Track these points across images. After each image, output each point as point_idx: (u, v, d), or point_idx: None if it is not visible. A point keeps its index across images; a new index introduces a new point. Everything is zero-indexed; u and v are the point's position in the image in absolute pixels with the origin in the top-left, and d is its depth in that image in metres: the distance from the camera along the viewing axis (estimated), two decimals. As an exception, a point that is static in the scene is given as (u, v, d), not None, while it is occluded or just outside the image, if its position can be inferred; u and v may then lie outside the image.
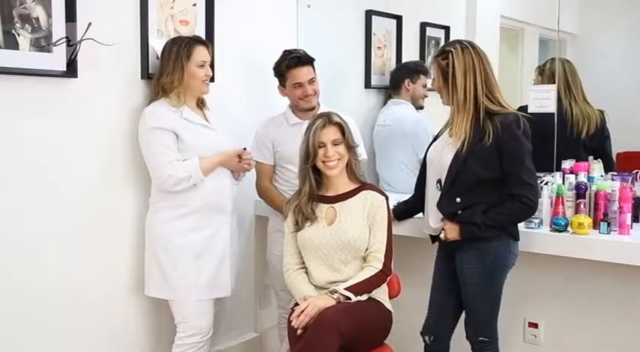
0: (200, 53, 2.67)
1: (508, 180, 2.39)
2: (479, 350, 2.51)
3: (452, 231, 2.45)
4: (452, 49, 2.44)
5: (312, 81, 2.95)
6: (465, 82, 2.41)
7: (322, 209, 2.56)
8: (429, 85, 3.78)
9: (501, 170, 2.39)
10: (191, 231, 2.65)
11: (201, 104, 2.78)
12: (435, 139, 2.64)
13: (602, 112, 3.30)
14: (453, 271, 2.54)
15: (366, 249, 2.51)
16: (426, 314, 2.66)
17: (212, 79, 2.82)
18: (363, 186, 2.59)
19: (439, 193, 2.49)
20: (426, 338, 2.63)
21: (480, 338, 2.50)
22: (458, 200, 2.43)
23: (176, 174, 2.58)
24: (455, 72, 2.42)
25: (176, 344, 2.69)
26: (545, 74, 3.40)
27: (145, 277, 2.74)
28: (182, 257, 2.64)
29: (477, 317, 2.51)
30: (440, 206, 2.49)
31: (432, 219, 2.56)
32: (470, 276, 2.47)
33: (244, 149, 2.77)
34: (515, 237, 2.49)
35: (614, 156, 3.37)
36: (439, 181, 2.49)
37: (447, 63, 2.44)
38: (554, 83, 3.23)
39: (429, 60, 4.14)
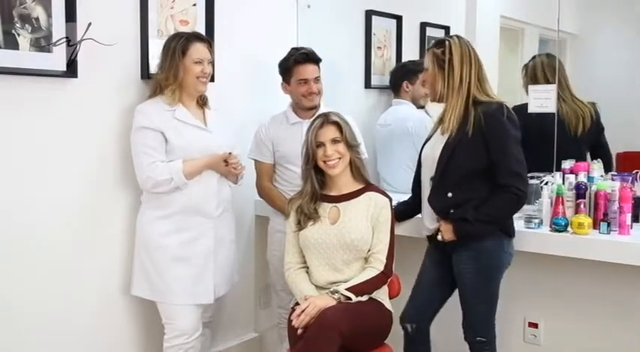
0: (197, 50, 2.62)
1: (496, 170, 2.39)
2: (477, 351, 2.51)
3: (447, 232, 2.45)
4: (449, 39, 2.48)
5: (317, 79, 2.95)
6: (461, 68, 2.43)
7: (325, 208, 2.56)
8: None
9: (489, 159, 2.39)
10: (171, 233, 2.62)
11: (201, 101, 2.74)
12: (428, 139, 2.64)
13: (594, 104, 3.23)
14: (446, 268, 2.55)
15: (369, 250, 2.52)
16: (408, 302, 2.66)
17: (212, 79, 2.81)
18: (368, 187, 2.59)
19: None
20: (408, 325, 2.62)
21: (478, 338, 2.50)
22: (449, 195, 2.43)
23: (156, 176, 2.54)
24: (452, 58, 2.44)
25: (164, 345, 2.68)
26: (528, 74, 3.33)
27: (132, 276, 2.73)
28: (162, 259, 2.62)
29: (474, 317, 2.51)
30: (430, 201, 2.49)
31: (427, 218, 2.57)
32: (467, 276, 2.48)
33: (230, 153, 2.69)
34: (510, 234, 2.50)
35: (613, 153, 3.35)
36: (432, 178, 2.50)
37: (444, 51, 2.46)
38: (537, 82, 3.19)
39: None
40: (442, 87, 2.47)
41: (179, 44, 2.60)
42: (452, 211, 2.44)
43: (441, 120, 2.53)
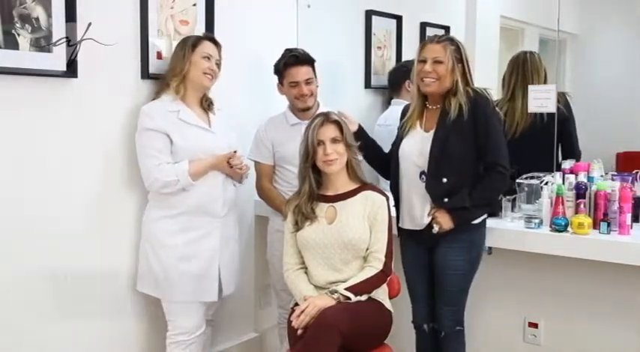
0: (206, 46, 2.68)
1: (488, 149, 2.46)
2: (454, 340, 2.57)
3: (447, 222, 2.47)
4: (455, 38, 2.56)
5: (308, 81, 2.93)
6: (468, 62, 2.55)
7: (322, 208, 2.55)
8: None
9: (477, 142, 2.46)
10: (178, 233, 2.65)
11: (205, 104, 2.75)
12: (400, 135, 2.66)
13: (564, 94, 3.16)
14: (426, 263, 2.60)
15: (367, 249, 2.51)
16: (413, 305, 2.70)
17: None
18: (364, 186, 2.59)
19: (424, 183, 2.52)
20: (425, 326, 2.66)
21: (458, 328, 2.57)
22: (444, 180, 2.47)
23: (162, 177, 2.57)
24: (466, 55, 2.53)
25: (167, 341, 2.71)
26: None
27: (138, 272, 2.75)
28: (167, 257, 2.64)
29: (457, 307, 2.57)
30: (428, 188, 2.51)
31: (415, 214, 2.57)
32: (457, 268, 2.53)
33: (234, 152, 2.72)
34: (492, 213, 2.65)
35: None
36: (424, 173, 2.52)
37: (457, 48, 2.52)
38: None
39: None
40: (447, 83, 2.50)
41: (191, 39, 2.69)
42: (446, 200, 2.46)
43: (414, 117, 2.60)
